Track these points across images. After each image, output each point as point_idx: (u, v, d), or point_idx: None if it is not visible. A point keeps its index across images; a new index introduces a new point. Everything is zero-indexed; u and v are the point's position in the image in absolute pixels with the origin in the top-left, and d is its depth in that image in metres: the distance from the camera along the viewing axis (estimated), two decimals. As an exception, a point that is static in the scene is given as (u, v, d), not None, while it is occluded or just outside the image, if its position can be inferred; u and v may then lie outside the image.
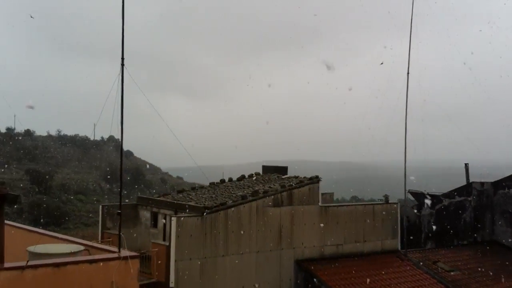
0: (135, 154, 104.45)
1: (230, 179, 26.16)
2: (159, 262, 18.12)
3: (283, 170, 26.36)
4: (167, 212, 21.09)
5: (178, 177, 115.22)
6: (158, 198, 22.87)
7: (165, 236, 20.98)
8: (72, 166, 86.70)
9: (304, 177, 23.60)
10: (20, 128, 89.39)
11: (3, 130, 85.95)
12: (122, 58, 10.56)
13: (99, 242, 19.79)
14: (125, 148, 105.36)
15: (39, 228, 17.68)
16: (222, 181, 25.89)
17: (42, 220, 51.18)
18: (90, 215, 66.73)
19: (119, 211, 11.19)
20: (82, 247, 10.58)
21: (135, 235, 21.85)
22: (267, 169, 26.87)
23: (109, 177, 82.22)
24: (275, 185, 22.81)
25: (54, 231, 22.25)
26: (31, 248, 10.09)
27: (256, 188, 22.34)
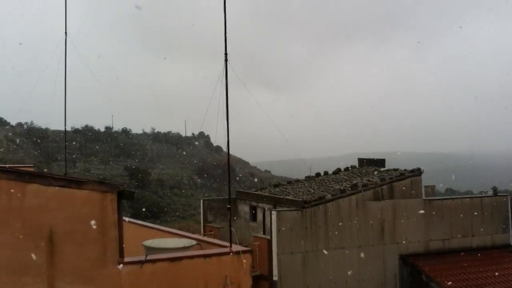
0: (224, 149, 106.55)
1: (326, 173, 25.74)
2: (261, 255, 18.17)
3: (380, 162, 25.49)
4: (266, 206, 21.14)
5: (266, 171, 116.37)
6: (256, 192, 23.00)
7: (265, 229, 21.05)
8: (166, 161, 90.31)
9: (405, 170, 22.62)
10: (117, 127, 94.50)
11: (103, 129, 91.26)
12: (226, 54, 10.55)
13: (201, 235, 20.28)
14: (215, 143, 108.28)
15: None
16: (318, 174, 25.54)
17: (142, 214, 53.89)
18: (186, 208, 69.31)
19: (229, 206, 11.26)
20: (194, 242, 10.78)
21: (234, 228, 22.12)
22: (363, 161, 26.11)
23: (202, 172, 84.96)
24: (374, 178, 22.09)
25: (153, 224, 23.09)
26: (147, 243, 10.41)
27: (355, 182, 21.77)
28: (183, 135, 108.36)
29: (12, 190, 7.87)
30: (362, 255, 20.05)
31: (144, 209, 57.04)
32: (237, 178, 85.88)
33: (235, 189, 25.41)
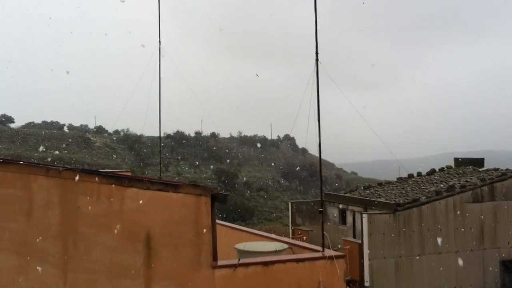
0: (309, 151, 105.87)
1: (419, 174, 24.64)
2: (352, 260, 17.70)
3: (478, 162, 23.96)
4: (356, 208, 20.60)
5: (353, 172, 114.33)
6: (345, 195, 22.51)
7: (355, 233, 20.53)
8: (252, 164, 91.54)
9: (507, 169, 21.07)
10: (206, 131, 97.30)
11: (192, 134, 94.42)
12: (316, 53, 10.33)
13: (290, 238, 20.17)
14: (300, 145, 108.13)
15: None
16: (410, 176, 24.50)
17: (229, 216, 54.93)
18: (272, 210, 69.74)
19: (321, 210, 11.01)
20: (286, 245, 10.66)
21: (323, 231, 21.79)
22: (460, 161, 24.68)
23: (287, 174, 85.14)
24: (473, 179, 20.78)
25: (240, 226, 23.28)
26: (239, 246, 10.45)
27: (451, 183, 20.61)
28: (269, 138, 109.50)
29: (112, 195, 8.19)
30: (460, 261, 18.94)
31: (232, 212, 58.08)
32: (323, 180, 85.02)
33: (327, 193, 25.01)
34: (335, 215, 22.08)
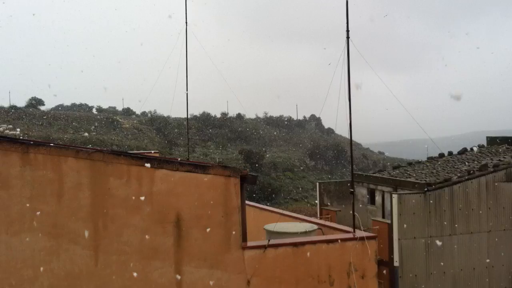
0: (336, 132, 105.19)
1: (450, 153, 24.11)
2: (381, 240, 17.51)
3: (512, 140, 23.30)
4: (385, 189, 20.34)
5: (380, 152, 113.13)
6: (374, 175, 22.22)
7: (384, 213, 20.30)
8: (278, 145, 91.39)
9: (542, 148, 20.44)
10: (232, 113, 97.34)
11: (218, 115, 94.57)
12: (347, 31, 10.02)
13: (318, 218, 20.07)
14: (326, 126, 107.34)
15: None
16: (441, 155, 24.00)
17: (256, 196, 55.13)
18: (298, 190, 69.70)
19: (352, 190, 10.81)
20: (315, 226, 10.53)
21: (351, 211, 21.62)
22: (494, 140, 24.03)
23: (313, 154, 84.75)
24: (506, 158, 20.22)
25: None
26: (269, 227, 10.36)
27: (484, 162, 20.09)
28: (295, 118, 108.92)
29: (142, 176, 8.17)
30: (491, 240, 18.57)
31: (258, 192, 58.25)
32: (347, 160, 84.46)
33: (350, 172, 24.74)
34: (363, 195, 21.85)
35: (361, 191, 21.95)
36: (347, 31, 9.90)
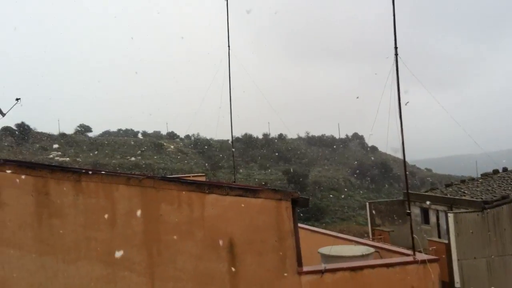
0: (379, 149, 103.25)
1: (505, 169, 23.02)
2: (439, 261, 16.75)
3: None
4: (439, 207, 19.54)
5: (427, 169, 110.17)
6: (427, 193, 21.43)
7: (440, 233, 19.49)
8: (321, 164, 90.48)
9: None
10: (274, 133, 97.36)
11: (260, 136, 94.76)
12: (395, 48, 9.70)
13: (370, 239, 19.44)
14: (369, 143, 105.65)
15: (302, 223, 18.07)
16: (496, 171, 22.94)
17: (302, 216, 54.42)
18: (345, 209, 68.44)
19: (409, 212, 10.35)
20: (372, 249, 10.11)
21: (404, 232, 20.89)
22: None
23: (358, 173, 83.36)
24: None
25: (313, 226, 22.69)
26: (324, 250, 10.02)
27: (544, 177, 19.06)
28: (337, 137, 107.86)
29: (192, 202, 8.04)
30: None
31: (304, 212, 57.55)
32: (393, 178, 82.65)
33: (401, 191, 23.98)
34: (417, 214, 21.08)
35: (414, 210, 21.19)
36: (395, 47, 9.58)
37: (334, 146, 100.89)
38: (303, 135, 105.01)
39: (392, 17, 9.86)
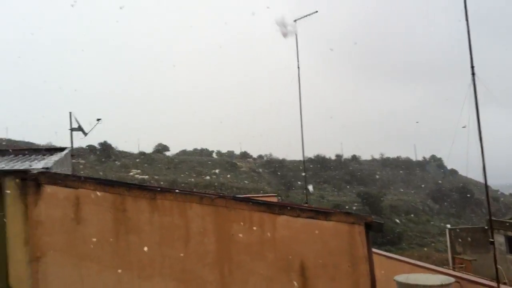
0: (460, 172, 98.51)
1: None
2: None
3: None
4: (527, 236, 18.22)
5: (511, 195, 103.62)
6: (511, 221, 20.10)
7: (528, 264, 18.14)
8: (397, 187, 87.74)
9: None
10: (347, 154, 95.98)
11: (333, 157, 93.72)
12: (472, 67, 9.26)
13: (451, 268, 18.43)
14: (449, 166, 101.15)
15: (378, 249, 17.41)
16: None
17: (377, 241, 52.77)
18: (423, 235, 65.62)
19: (492, 240, 9.72)
20: (452, 279, 9.54)
21: (487, 261, 19.62)
22: None
23: (437, 197, 79.90)
24: None
25: (389, 251, 21.82)
26: (400, 278, 9.59)
27: None
28: (413, 159, 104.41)
29: (264, 222, 8.01)
30: None
31: (379, 236, 55.81)
32: (475, 204, 78.43)
33: (484, 217, 22.66)
34: (501, 243, 19.76)
35: (498, 239, 19.88)
36: (472, 67, 9.15)
37: (411, 169, 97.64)
38: (377, 156, 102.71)
39: (467, 34, 9.46)
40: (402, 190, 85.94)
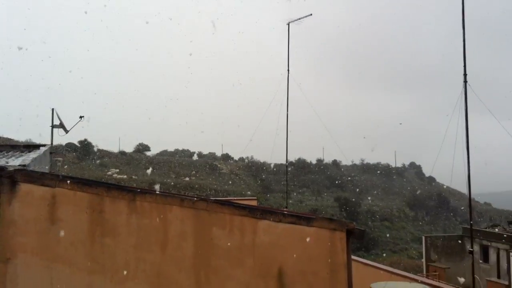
0: (437, 180, 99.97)
1: None
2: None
3: None
4: (500, 246, 18.45)
5: (486, 203, 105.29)
6: (488, 230, 20.34)
7: (500, 273, 18.37)
8: (375, 193, 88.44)
9: None
10: (328, 159, 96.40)
11: (314, 161, 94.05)
12: (465, 74, 9.34)
13: (424, 275, 18.57)
14: (426, 174, 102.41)
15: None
16: None
17: (352, 246, 52.93)
18: (397, 241, 66.24)
19: (471, 250, 9.79)
20: (427, 287, 9.58)
21: (461, 269, 19.84)
22: None
23: (413, 204, 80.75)
24: None
25: (362, 257, 21.89)
26: (377, 286, 9.59)
27: None
28: (393, 165, 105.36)
29: (244, 227, 7.91)
30: None
31: (354, 241, 55.98)
32: (451, 211, 79.52)
33: (458, 225, 22.94)
34: (475, 252, 19.99)
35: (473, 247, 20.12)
36: (465, 74, 9.21)
37: (389, 175, 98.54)
38: (358, 162, 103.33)
39: (463, 45, 9.53)
40: (380, 196, 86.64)
